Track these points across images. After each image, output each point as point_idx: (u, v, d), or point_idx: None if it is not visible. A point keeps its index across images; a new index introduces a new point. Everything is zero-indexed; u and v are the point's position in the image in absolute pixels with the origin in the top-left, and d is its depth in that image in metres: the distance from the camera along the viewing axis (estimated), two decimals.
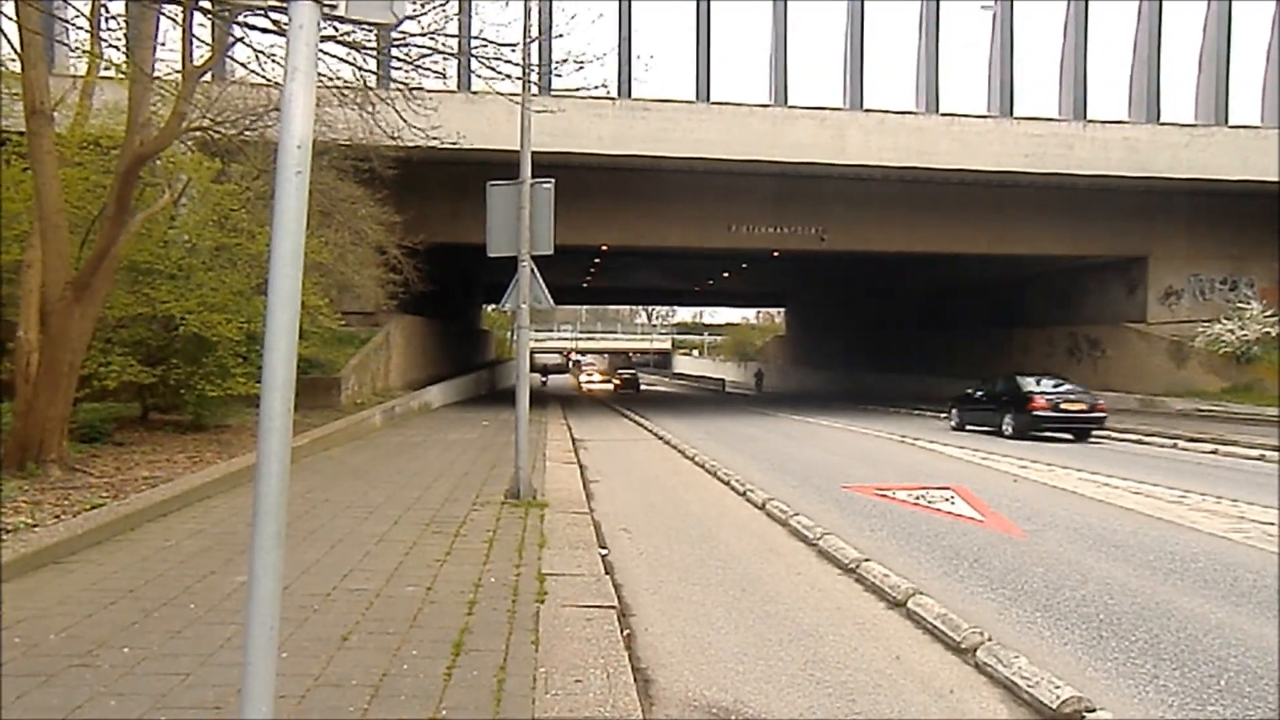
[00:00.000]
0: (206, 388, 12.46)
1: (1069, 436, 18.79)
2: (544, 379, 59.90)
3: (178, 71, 10.47)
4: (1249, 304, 27.05)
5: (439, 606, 5.23)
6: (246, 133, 12.16)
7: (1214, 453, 15.35)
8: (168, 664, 4.19)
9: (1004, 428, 19.65)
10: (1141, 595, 6.03)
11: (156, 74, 10.83)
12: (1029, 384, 19.96)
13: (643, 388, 60.51)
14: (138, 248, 11.85)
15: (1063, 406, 19.00)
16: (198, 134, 12.29)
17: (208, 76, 11.85)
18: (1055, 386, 19.94)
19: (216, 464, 10.14)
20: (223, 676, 4.00)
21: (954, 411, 22.47)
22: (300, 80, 2.42)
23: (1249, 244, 28.59)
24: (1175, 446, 16.41)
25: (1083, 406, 19.11)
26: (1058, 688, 4.06)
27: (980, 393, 21.78)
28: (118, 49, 11.01)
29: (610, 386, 56.30)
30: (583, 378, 62.57)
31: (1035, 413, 18.93)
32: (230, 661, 4.16)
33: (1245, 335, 25.97)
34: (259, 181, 14.07)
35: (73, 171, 11.48)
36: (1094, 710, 3.86)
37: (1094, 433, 19.01)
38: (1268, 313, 26.39)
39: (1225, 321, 26.65)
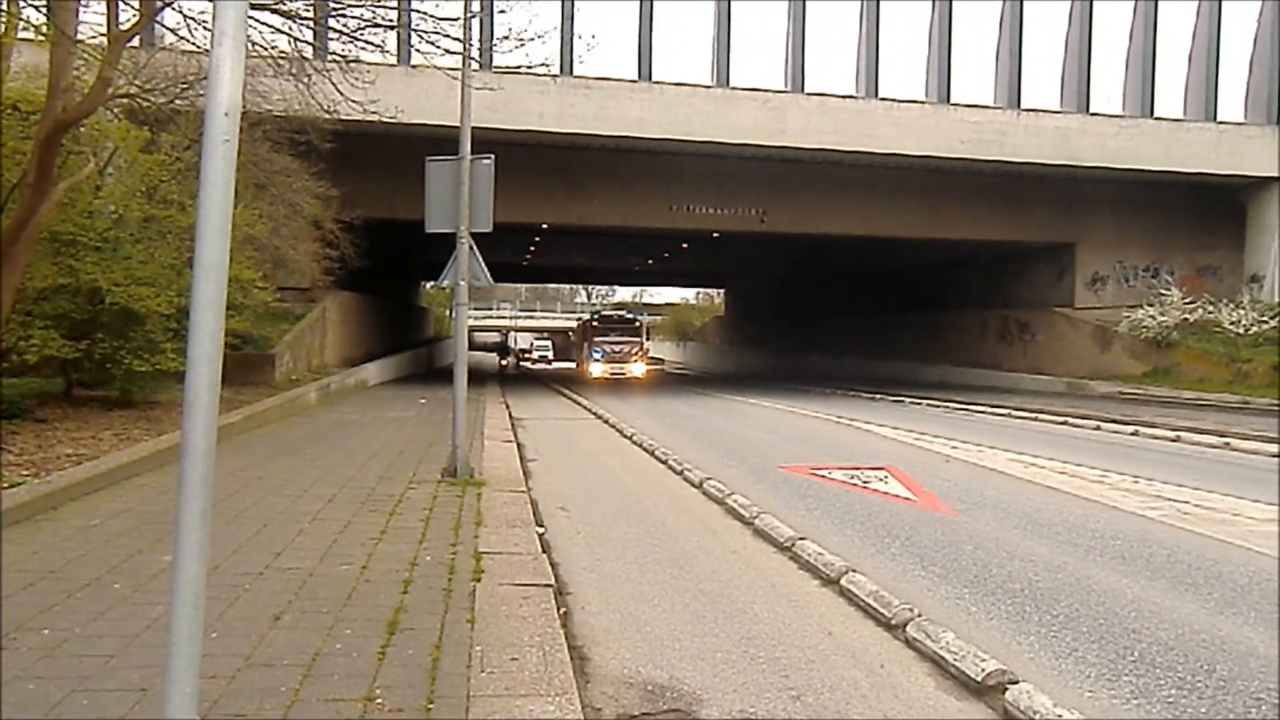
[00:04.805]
0: (134, 363, 12.11)
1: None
2: (503, 361, 57.59)
3: (103, 35, 10.10)
4: (1169, 291, 27.98)
5: (374, 585, 5.18)
6: (177, 101, 11.79)
7: (1134, 434, 15.86)
8: (91, 645, 4.10)
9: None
10: (1064, 571, 6.22)
11: (80, 37, 10.42)
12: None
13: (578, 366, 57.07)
14: (60, 217, 11.42)
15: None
16: (124, 101, 11.88)
17: (135, 41, 11.46)
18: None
19: (145, 441, 9.88)
20: (149, 658, 3.91)
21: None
22: (228, 45, 2.35)
23: (1171, 233, 29.60)
24: (1098, 428, 16.91)
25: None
26: (982, 661, 4.18)
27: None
28: (37, 9, 10.57)
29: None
30: (592, 366, 38.76)
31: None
32: (158, 642, 4.06)
33: (1165, 321, 26.89)
34: (190, 152, 13.65)
35: None
36: (1016, 682, 3.98)
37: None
38: (1186, 300, 27.34)
39: (1147, 308, 27.56)
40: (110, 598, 4.82)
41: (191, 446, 2.40)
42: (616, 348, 38.66)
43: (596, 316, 42.27)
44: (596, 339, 38.96)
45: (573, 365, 52.08)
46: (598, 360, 38.42)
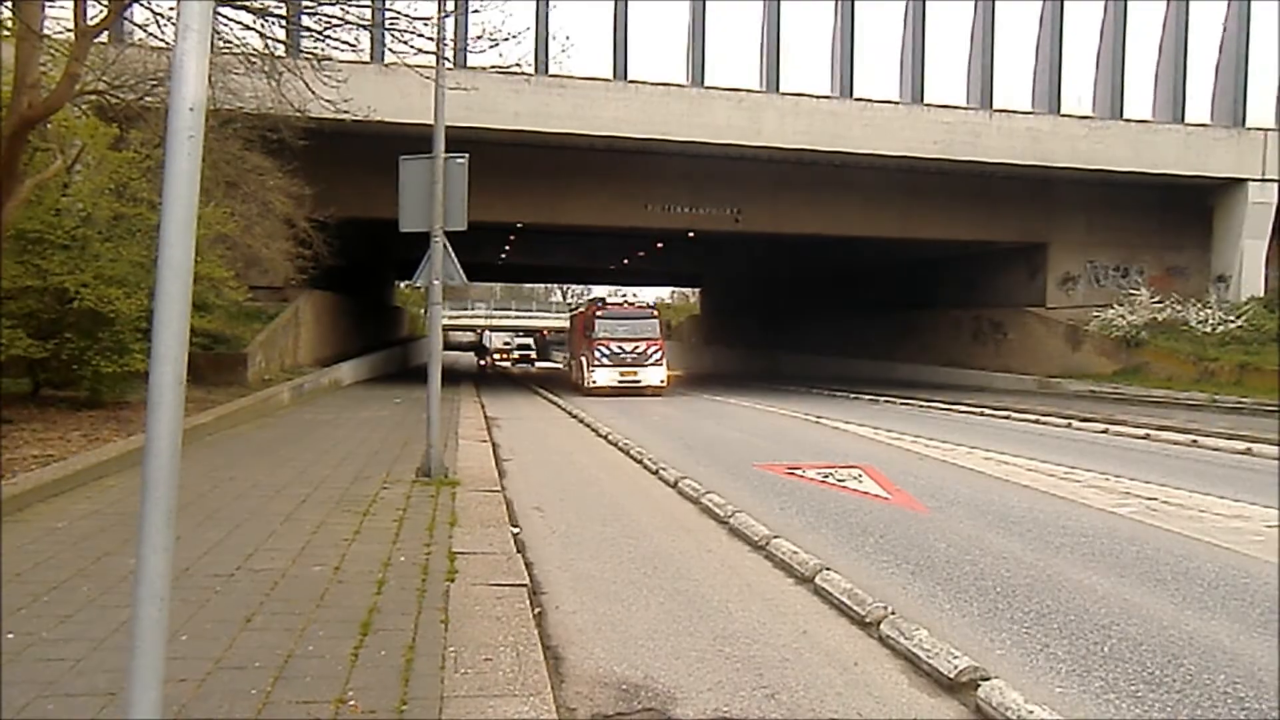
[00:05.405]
0: (102, 364, 11.94)
1: None
2: (481, 360, 55.98)
3: (70, 30, 9.96)
4: (1139, 291, 28.32)
5: (347, 586, 5.14)
6: (146, 98, 11.66)
7: (1104, 432, 16.04)
8: (57, 649, 4.04)
9: None
10: (1035, 568, 6.28)
11: (47, 32, 10.27)
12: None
13: (556, 366, 52.81)
14: (27, 215, 11.25)
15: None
16: (93, 98, 11.74)
17: (103, 37, 11.32)
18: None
19: (113, 442, 9.75)
20: (117, 661, 3.85)
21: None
22: (193, 39, 2.32)
23: (1140, 234, 29.95)
24: (1069, 426, 17.09)
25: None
26: (955, 658, 4.21)
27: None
28: (2, 3, 10.40)
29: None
30: (595, 373, 28.20)
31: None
32: (126, 646, 4.01)
33: (1135, 320, 27.21)
34: (159, 149, 13.48)
35: None
36: (988, 678, 4.01)
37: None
38: (1155, 299, 27.69)
39: (1117, 307, 27.88)
40: (77, 601, 4.75)
41: (156, 446, 2.36)
42: (628, 346, 28.16)
43: (600, 304, 30.76)
44: (600, 335, 28.24)
45: (557, 366, 47.27)
46: (603, 364, 27.98)
